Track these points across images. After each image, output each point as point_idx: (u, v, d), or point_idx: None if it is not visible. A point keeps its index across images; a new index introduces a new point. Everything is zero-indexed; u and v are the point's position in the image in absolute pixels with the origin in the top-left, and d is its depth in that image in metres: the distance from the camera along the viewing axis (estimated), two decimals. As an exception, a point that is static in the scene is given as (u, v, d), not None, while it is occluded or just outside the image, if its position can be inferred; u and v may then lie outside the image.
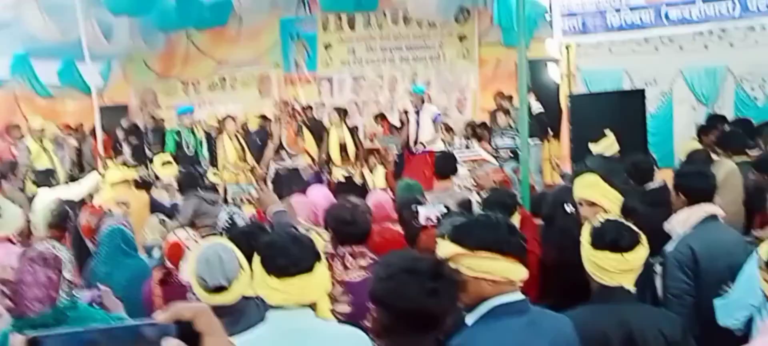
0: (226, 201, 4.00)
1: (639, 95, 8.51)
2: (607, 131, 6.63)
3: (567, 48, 9.32)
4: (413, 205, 4.53)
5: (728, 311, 3.32)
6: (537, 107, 10.60)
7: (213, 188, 8.49)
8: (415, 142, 10.05)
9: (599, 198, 3.82)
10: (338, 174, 10.14)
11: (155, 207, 6.77)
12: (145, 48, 14.46)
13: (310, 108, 13.13)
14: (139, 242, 5.03)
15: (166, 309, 0.81)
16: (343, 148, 10.31)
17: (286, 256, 2.44)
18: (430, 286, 2.00)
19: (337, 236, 3.42)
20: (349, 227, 3.37)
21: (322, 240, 3.56)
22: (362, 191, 8.06)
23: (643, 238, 2.74)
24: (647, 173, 5.46)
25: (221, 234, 4.23)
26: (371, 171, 11.02)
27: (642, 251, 2.72)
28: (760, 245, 3.12)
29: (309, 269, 2.46)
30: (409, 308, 2.01)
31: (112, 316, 3.05)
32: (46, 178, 7.44)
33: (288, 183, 9.02)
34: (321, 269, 2.53)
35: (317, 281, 2.51)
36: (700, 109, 9.54)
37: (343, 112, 10.97)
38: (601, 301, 2.78)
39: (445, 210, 4.15)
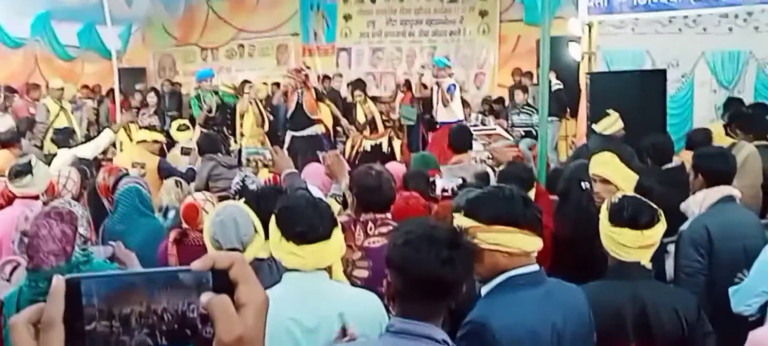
0: (240, 164, 3.99)
1: (660, 75, 8.40)
2: (610, 111, 6.51)
3: (589, 26, 9.21)
4: (420, 179, 4.55)
5: (742, 297, 3.29)
6: (556, 84, 10.50)
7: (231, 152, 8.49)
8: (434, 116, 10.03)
9: (613, 175, 3.81)
10: (368, 145, 10.17)
11: (163, 170, 6.75)
12: (165, 14, 14.50)
13: (328, 78, 13.08)
14: (155, 203, 5.06)
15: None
16: (370, 120, 10.30)
17: (305, 223, 2.45)
18: (446, 254, 1.99)
19: (361, 202, 3.41)
20: (374, 194, 3.36)
21: (336, 204, 3.57)
22: (389, 159, 8.09)
23: (662, 214, 2.73)
24: (666, 154, 5.41)
25: (234, 197, 4.26)
26: (390, 142, 11.00)
27: (660, 228, 2.72)
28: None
29: (327, 235, 2.48)
30: (423, 275, 2.00)
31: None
32: (65, 137, 7.46)
33: (303, 150, 9.03)
34: (337, 234, 2.55)
35: (333, 247, 2.53)
36: (720, 92, 9.42)
37: (362, 86, 10.88)
38: (617, 276, 2.78)
39: (461, 182, 4.15)
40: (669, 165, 5.34)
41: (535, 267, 2.37)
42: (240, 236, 2.95)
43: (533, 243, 2.33)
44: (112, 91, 11.50)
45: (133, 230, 4.38)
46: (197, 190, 5.68)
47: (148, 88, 13.16)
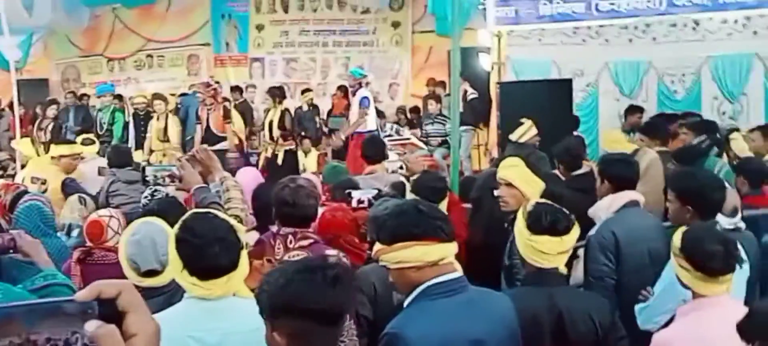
0: (145, 180, 3.82)
1: (566, 85, 8.69)
2: (524, 119, 6.68)
3: (498, 37, 9.44)
4: (347, 189, 4.53)
5: (649, 315, 3.36)
6: (472, 93, 10.67)
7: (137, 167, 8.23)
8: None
9: (517, 180, 3.87)
10: (267, 152, 10.07)
11: (69, 189, 6.40)
12: (69, 23, 13.89)
13: (240, 89, 12.85)
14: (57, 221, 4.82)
15: (85, 288, 0.79)
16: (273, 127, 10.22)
17: (211, 259, 2.35)
18: (331, 273, 1.93)
19: (278, 216, 3.35)
20: (289, 209, 3.30)
21: (242, 227, 3.48)
22: (290, 171, 8.00)
23: (575, 220, 2.79)
24: (576, 160, 5.56)
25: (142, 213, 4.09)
26: (305, 154, 10.91)
27: (574, 234, 2.78)
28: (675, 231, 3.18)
29: (234, 266, 2.40)
30: (319, 303, 1.91)
31: (19, 292, 2.86)
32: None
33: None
34: (243, 258, 2.47)
35: (240, 274, 2.45)
36: (623, 101, 9.83)
37: (276, 93, 10.76)
38: (535, 283, 2.82)
39: (376, 192, 4.15)
40: (579, 171, 5.49)
41: (455, 275, 2.37)
42: (158, 256, 2.81)
43: (438, 251, 2.31)
44: (12, 104, 10.96)
45: (34, 250, 4.15)
46: (100, 206, 5.46)
47: (47, 100, 12.60)
